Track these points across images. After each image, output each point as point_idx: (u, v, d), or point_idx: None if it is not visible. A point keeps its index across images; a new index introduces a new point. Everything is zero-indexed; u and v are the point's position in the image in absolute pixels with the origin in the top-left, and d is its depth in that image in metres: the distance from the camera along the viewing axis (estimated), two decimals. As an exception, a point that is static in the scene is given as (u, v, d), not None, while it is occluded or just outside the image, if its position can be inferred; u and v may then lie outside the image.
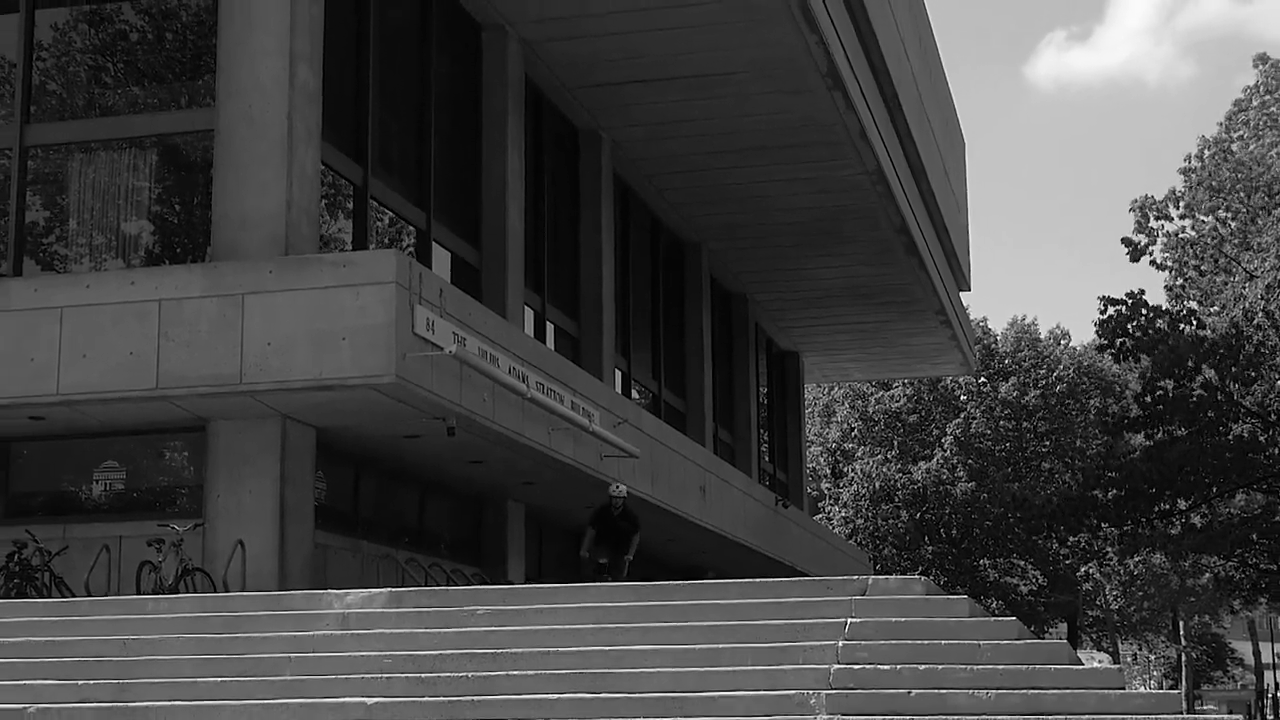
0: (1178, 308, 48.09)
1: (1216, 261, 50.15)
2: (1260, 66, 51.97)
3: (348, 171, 19.79)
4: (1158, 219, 51.17)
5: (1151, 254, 51.72)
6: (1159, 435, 47.95)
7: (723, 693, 11.50)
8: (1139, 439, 49.46)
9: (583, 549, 20.62)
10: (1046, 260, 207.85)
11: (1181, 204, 50.52)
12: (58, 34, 19.71)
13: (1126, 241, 51.71)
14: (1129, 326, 47.12)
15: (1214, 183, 49.79)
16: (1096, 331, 47.99)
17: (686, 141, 28.16)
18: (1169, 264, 51.66)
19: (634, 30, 23.60)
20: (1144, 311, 47.03)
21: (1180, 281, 51.22)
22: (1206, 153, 50.91)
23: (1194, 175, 50.60)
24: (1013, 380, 61.29)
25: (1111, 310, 47.58)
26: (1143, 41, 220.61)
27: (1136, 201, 51.43)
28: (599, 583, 19.42)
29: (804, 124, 27.14)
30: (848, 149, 28.20)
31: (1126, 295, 48.08)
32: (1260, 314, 43.77)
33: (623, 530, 20.58)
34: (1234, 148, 50.45)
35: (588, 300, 27.14)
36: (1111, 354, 48.85)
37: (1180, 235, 51.28)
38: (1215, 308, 47.69)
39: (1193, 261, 51.07)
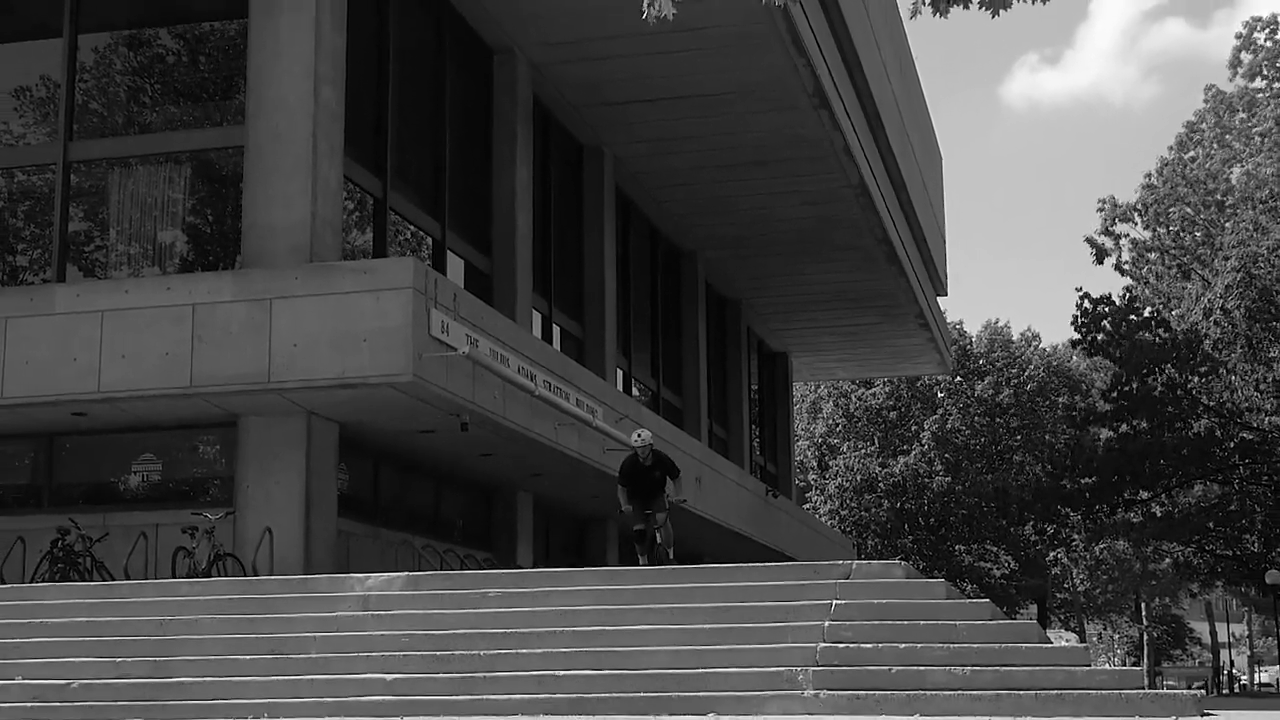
0: (1145, 311, 48.17)
1: (1176, 268, 50.21)
2: (1207, 95, 52.30)
3: (368, 185, 19.79)
4: (1123, 221, 51.17)
5: (1117, 256, 51.75)
6: (1123, 429, 48.02)
7: (718, 669, 11.51)
8: (1104, 433, 49.51)
9: (621, 504, 18.02)
10: (1019, 267, 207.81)
11: (1149, 212, 50.55)
12: (99, 57, 19.72)
13: (1090, 242, 51.73)
14: (1104, 324, 47.15)
15: (1173, 198, 49.89)
16: (1072, 323, 47.95)
17: (684, 157, 28.16)
18: (1127, 267, 51.73)
19: (635, 54, 23.61)
20: (1118, 313, 47.13)
21: (1142, 287, 51.29)
22: (1166, 169, 51.01)
23: (1155, 191, 50.65)
24: (988, 380, 61.28)
25: (1088, 304, 47.67)
26: (1109, 64, 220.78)
27: (1104, 201, 51.38)
28: (637, 546, 17.86)
29: (792, 141, 27.15)
30: (833, 164, 28.21)
31: (1101, 297, 48.17)
32: (1219, 310, 43.82)
33: (655, 480, 17.79)
34: (1190, 168, 50.57)
35: (591, 304, 27.14)
36: (1083, 347, 48.83)
37: (1142, 243, 51.38)
38: (1175, 312, 47.77)
39: (1155, 268, 51.13)
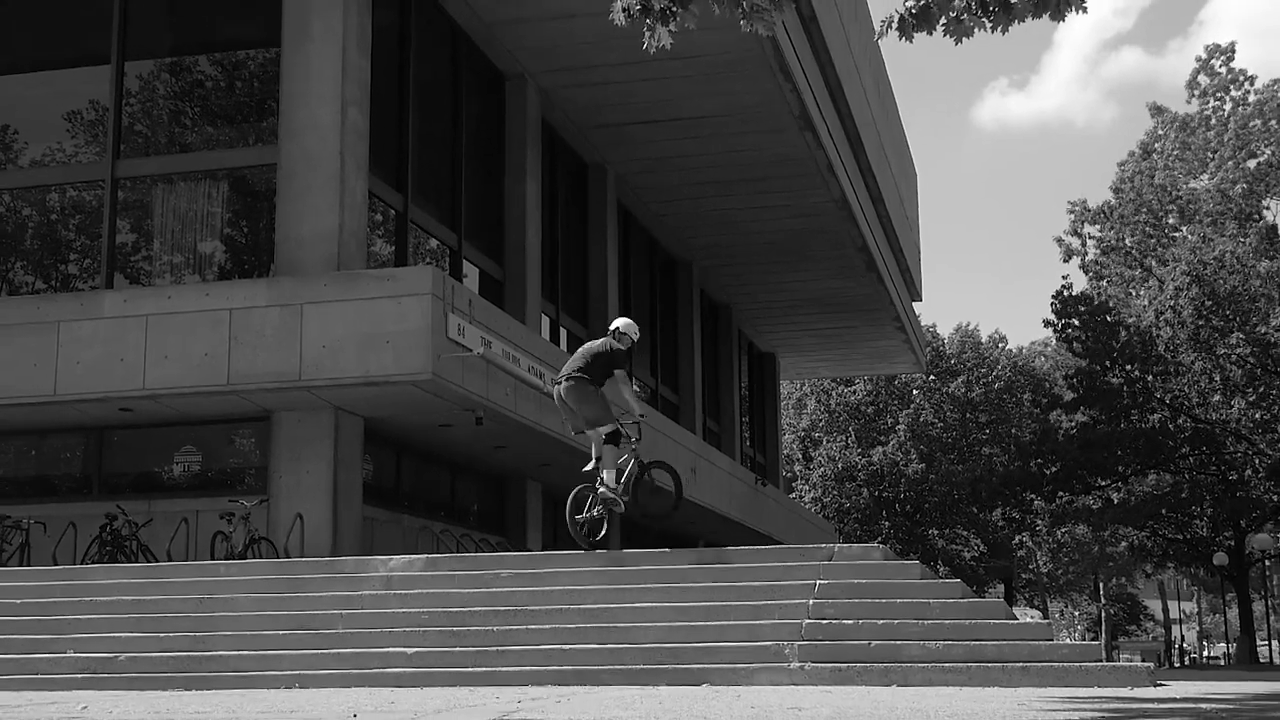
0: (1111, 313, 48.25)
1: (1138, 268, 50.18)
2: (1156, 117, 52.34)
3: (391, 199, 19.80)
4: (1092, 224, 51.10)
5: (1083, 255, 51.68)
6: (1081, 418, 48.05)
7: (711, 643, 11.51)
8: (1066, 420, 49.51)
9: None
10: (988, 274, 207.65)
11: (1114, 215, 50.48)
12: (144, 82, 19.73)
13: (1059, 241, 51.71)
14: (1076, 319, 47.16)
15: (1136, 203, 49.81)
16: (1052, 302, 47.94)
17: (680, 174, 28.17)
18: (1094, 267, 51.65)
19: (636, 80, 23.62)
20: (1093, 311, 47.25)
21: (1105, 284, 51.26)
22: (1136, 178, 50.88)
23: (1122, 194, 50.53)
24: (960, 379, 61.27)
25: (1066, 294, 47.78)
26: (1071, 89, 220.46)
27: (1075, 204, 51.25)
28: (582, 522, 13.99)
29: (780, 159, 27.16)
30: (817, 181, 28.22)
31: (1080, 294, 48.21)
32: (1169, 310, 43.87)
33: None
34: (1154, 176, 50.51)
35: (595, 309, 27.14)
36: (1055, 331, 48.79)
37: (1106, 242, 51.30)
38: (1131, 319, 47.80)
39: (1116, 268, 51.09)
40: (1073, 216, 51.42)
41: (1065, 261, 51.86)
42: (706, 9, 6.80)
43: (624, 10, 6.68)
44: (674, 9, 6.64)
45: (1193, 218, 47.80)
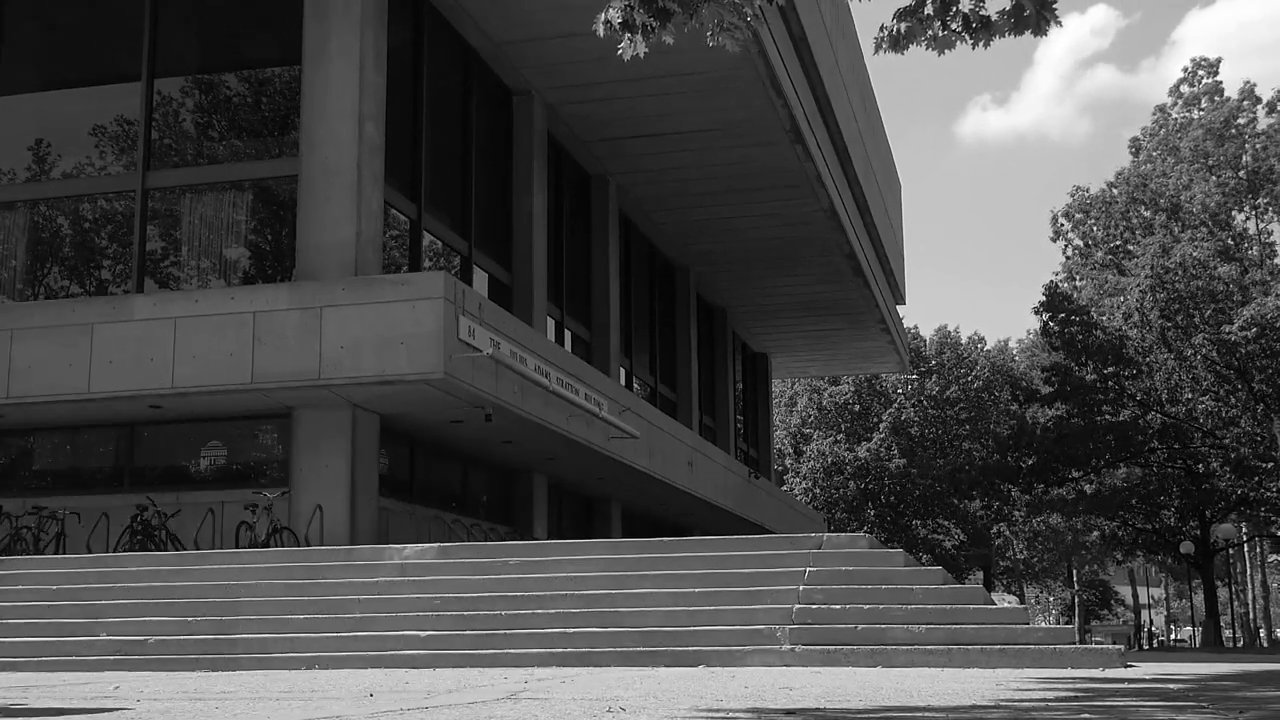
0: (1091, 312, 48.12)
1: (1112, 266, 50.04)
2: (1156, 115, 52.14)
3: (405, 208, 19.79)
4: (1081, 214, 50.81)
5: (1069, 239, 51.43)
6: (1057, 409, 47.98)
7: (707, 627, 11.51)
8: (1043, 415, 49.41)
9: None
10: (968, 279, 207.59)
11: (1105, 211, 50.15)
12: (172, 99, 19.71)
13: (1053, 218, 51.52)
14: (1058, 316, 47.10)
15: (1126, 201, 49.45)
16: (1041, 298, 47.81)
17: (678, 184, 28.15)
18: (1077, 247, 51.38)
19: (636, 96, 23.61)
20: (1075, 311, 47.21)
21: (1085, 270, 51.06)
22: (1121, 177, 50.47)
23: (1118, 188, 50.22)
24: (936, 377, 61.21)
25: (1058, 291, 47.74)
26: (1049, 105, 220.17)
27: (1081, 188, 50.90)
28: None
29: (771, 171, 27.14)
30: (807, 191, 28.20)
31: (1063, 294, 48.13)
32: (1136, 313, 43.81)
33: None
34: (1145, 177, 50.14)
35: (598, 312, 27.13)
36: (1041, 324, 48.69)
37: (1090, 235, 51.08)
38: (1103, 316, 47.74)
39: (1095, 261, 50.86)
40: (1071, 199, 51.03)
41: (1053, 240, 51.53)
42: (682, 27, 6.76)
43: (605, 24, 6.65)
44: (652, 24, 6.61)
45: (1174, 219, 47.47)
